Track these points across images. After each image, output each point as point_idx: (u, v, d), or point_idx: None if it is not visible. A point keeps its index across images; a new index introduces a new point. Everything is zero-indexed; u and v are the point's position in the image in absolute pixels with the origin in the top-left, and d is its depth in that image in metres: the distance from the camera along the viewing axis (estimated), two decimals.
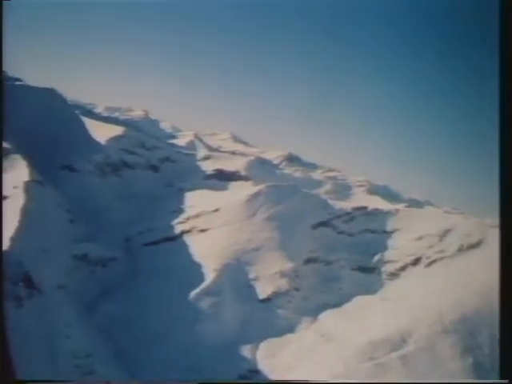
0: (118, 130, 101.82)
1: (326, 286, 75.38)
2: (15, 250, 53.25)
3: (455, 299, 62.32)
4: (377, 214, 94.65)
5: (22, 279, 50.64)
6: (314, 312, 67.99)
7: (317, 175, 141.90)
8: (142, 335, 56.06)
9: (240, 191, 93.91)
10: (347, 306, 70.09)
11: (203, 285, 64.80)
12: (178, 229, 78.43)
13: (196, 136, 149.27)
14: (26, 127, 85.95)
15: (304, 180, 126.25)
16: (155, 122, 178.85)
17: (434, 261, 79.95)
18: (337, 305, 70.53)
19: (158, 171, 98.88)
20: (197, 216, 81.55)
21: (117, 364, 51.61)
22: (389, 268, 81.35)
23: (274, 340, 60.68)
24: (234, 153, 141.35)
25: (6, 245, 53.78)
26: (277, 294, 68.76)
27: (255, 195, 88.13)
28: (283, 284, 70.56)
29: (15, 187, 66.01)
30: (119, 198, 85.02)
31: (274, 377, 54.51)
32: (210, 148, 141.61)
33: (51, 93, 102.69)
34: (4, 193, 66.09)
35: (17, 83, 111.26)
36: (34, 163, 73.00)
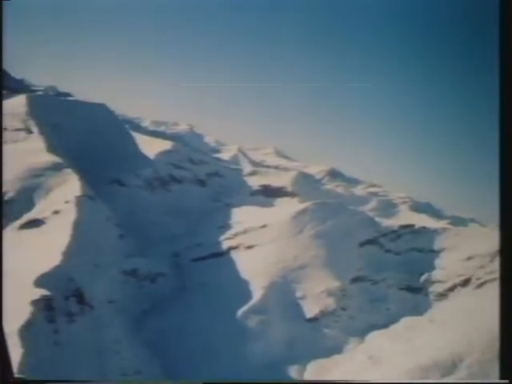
0: (166, 145, 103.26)
1: (372, 306, 74.62)
2: (67, 265, 54.35)
3: None
4: (424, 232, 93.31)
5: (73, 295, 51.52)
6: (361, 332, 67.38)
7: (359, 191, 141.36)
8: (189, 352, 56.38)
9: (286, 208, 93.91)
10: (395, 327, 69.20)
11: (251, 303, 64.94)
12: (225, 245, 78.85)
13: (240, 150, 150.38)
14: (77, 142, 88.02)
15: (349, 196, 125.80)
16: (200, 136, 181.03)
17: (485, 282, 78.34)
18: (384, 325, 69.76)
19: (205, 186, 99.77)
20: (244, 232, 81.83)
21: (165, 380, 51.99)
22: (437, 288, 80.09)
23: (322, 361, 60.33)
24: (277, 167, 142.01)
25: (57, 259, 55.04)
26: (324, 314, 68.43)
27: (302, 212, 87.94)
28: (330, 303, 70.17)
29: (67, 202, 67.42)
30: (167, 212, 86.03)
31: None
32: (253, 162, 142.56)
33: (102, 108, 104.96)
34: (56, 207, 67.75)
35: (69, 98, 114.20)
36: (84, 177, 74.52)
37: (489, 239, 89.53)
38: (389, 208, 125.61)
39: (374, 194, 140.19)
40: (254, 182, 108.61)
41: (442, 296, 78.57)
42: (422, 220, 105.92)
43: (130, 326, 56.30)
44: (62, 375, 40.71)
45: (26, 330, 43.08)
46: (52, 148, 79.19)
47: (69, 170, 73.76)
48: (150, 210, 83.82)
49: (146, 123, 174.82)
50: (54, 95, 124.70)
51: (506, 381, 19.19)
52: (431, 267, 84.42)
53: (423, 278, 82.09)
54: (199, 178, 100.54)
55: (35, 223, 64.18)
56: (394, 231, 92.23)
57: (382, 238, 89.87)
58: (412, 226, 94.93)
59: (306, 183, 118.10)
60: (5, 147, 78.94)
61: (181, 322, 60.49)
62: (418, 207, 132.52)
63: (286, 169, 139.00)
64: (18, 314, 45.88)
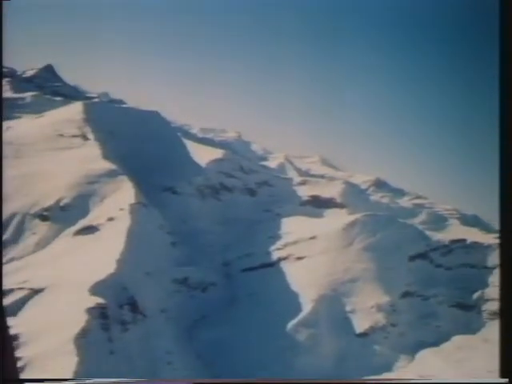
0: (217, 153, 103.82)
1: (423, 323, 73.41)
2: (121, 272, 55.23)
3: None
4: (476, 247, 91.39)
5: (127, 303, 52.28)
6: (411, 350, 66.33)
7: (405, 202, 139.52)
8: (239, 364, 56.49)
9: (336, 219, 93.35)
10: (446, 346, 67.94)
11: (301, 315, 64.66)
12: (275, 255, 78.75)
13: (286, 158, 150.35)
14: (130, 149, 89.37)
15: (397, 209, 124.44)
16: (247, 144, 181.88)
17: None
18: (434, 343, 68.53)
19: (255, 195, 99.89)
20: (294, 243, 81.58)
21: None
22: (490, 307, 78.21)
23: (371, 378, 59.61)
24: (323, 176, 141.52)
25: (112, 267, 55.94)
26: (373, 329, 67.64)
27: (352, 224, 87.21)
28: (380, 319, 69.35)
29: (121, 209, 68.50)
30: (218, 221, 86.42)
31: None
32: (299, 171, 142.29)
33: (155, 115, 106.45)
34: (110, 214, 68.91)
35: (123, 106, 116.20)
36: (138, 185, 75.61)
37: None
38: (438, 221, 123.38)
39: (421, 206, 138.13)
40: (304, 192, 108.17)
41: (496, 315, 76.70)
42: (473, 234, 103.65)
43: (181, 336, 56.78)
44: None
45: (82, 338, 43.96)
46: (107, 155, 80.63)
47: (123, 177, 74.98)
48: (201, 219, 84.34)
49: (195, 130, 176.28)
50: (107, 102, 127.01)
51: (506, 380, 18.87)
52: (484, 284, 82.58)
53: (476, 295, 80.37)
54: (249, 187, 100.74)
55: (90, 230, 65.49)
56: (445, 245, 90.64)
57: (433, 252, 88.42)
58: (464, 240, 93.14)
59: (355, 194, 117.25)
60: (61, 153, 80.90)
61: (231, 333, 60.67)
62: (466, 220, 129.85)
63: (332, 178, 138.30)
64: (72, 320, 46.86)
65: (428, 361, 63.78)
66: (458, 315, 76.88)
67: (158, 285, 61.16)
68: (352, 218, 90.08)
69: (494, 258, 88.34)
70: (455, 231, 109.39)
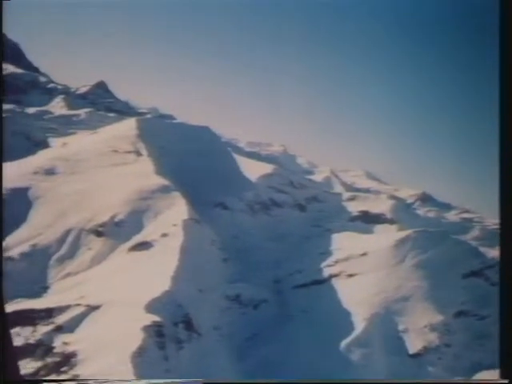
0: (267, 168, 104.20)
1: (478, 344, 71.79)
2: (175, 289, 55.68)
3: None
4: None
5: (182, 321, 52.66)
6: (467, 372, 64.84)
7: (452, 216, 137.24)
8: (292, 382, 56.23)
9: (386, 235, 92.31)
10: None
11: (353, 334, 63.99)
12: (326, 272, 78.24)
13: (332, 172, 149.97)
14: (181, 164, 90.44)
15: (447, 224, 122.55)
16: (293, 157, 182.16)
17: None
18: (491, 365, 66.85)
19: (305, 211, 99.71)
20: (345, 259, 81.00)
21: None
22: None
23: None
24: (368, 190, 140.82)
25: (166, 284, 56.48)
26: (427, 350, 66.43)
27: (403, 241, 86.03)
28: (433, 339, 68.11)
29: (175, 225, 69.23)
30: (268, 236, 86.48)
31: None
32: (345, 185, 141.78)
33: (206, 130, 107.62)
34: (164, 230, 69.71)
35: (173, 121, 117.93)
36: (190, 200, 76.35)
37: None
38: (491, 237, 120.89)
39: (469, 221, 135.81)
40: (353, 208, 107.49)
41: None
42: None
43: (234, 353, 56.84)
44: None
45: (139, 357, 44.34)
46: (160, 170, 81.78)
47: (176, 193, 75.86)
48: (251, 234, 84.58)
49: (242, 144, 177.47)
50: (158, 117, 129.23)
51: (506, 381, 18.33)
52: None
53: None
54: (299, 203, 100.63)
55: (144, 245, 66.33)
56: None
57: (488, 269, 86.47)
58: None
59: (404, 210, 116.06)
60: (116, 169, 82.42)
61: (283, 352, 60.43)
62: None
63: (377, 192, 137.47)
64: (129, 338, 47.39)
65: None
66: None
67: (211, 302, 61.43)
68: (403, 234, 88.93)
69: None
70: None
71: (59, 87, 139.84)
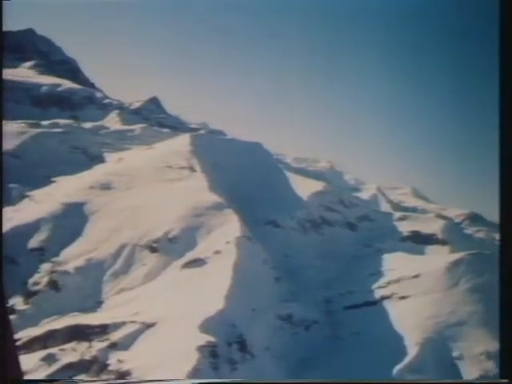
0: (318, 185, 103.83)
1: None
2: (229, 309, 55.73)
3: None
4: None
5: (236, 341, 52.60)
6: None
7: None
8: None
9: (439, 257, 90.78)
10: None
11: (406, 360, 62.86)
12: (378, 293, 77.27)
13: (379, 190, 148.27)
14: (233, 180, 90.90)
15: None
16: (340, 174, 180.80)
17: None
18: None
19: (355, 230, 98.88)
20: (397, 281, 79.88)
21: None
22: None
23: None
24: (415, 209, 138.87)
25: (220, 303, 56.56)
26: (484, 379, 64.76)
27: (456, 263, 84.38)
28: (491, 368, 66.26)
29: (228, 242, 69.46)
30: (319, 256, 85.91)
31: None
32: (391, 203, 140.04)
33: (257, 147, 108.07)
34: (217, 247, 70.06)
35: (226, 137, 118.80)
36: (242, 217, 76.55)
37: None
38: None
39: None
40: (404, 228, 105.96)
41: None
42: None
43: (286, 376, 56.44)
44: None
45: (193, 377, 44.51)
46: (213, 187, 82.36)
47: (229, 210, 76.20)
48: (302, 253, 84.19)
49: (288, 159, 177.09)
50: (210, 133, 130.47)
51: (506, 380, 17.39)
52: None
53: None
54: (349, 221, 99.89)
55: (197, 263, 66.70)
56: None
57: None
58: None
59: (455, 230, 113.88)
60: (170, 185, 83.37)
61: (335, 375, 59.74)
62: None
63: (424, 211, 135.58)
64: (183, 358, 47.61)
65: None
66: None
67: (263, 321, 61.18)
68: (456, 256, 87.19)
69: None
70: None
71: (114, 102, 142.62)
